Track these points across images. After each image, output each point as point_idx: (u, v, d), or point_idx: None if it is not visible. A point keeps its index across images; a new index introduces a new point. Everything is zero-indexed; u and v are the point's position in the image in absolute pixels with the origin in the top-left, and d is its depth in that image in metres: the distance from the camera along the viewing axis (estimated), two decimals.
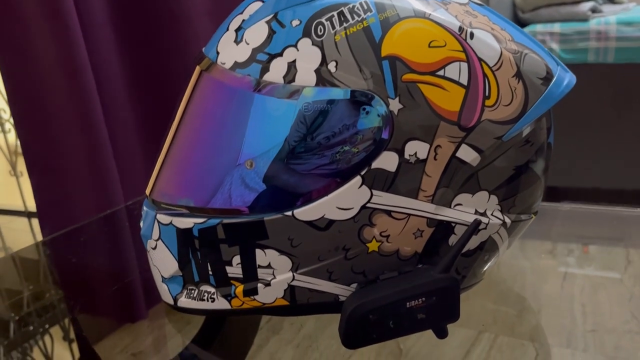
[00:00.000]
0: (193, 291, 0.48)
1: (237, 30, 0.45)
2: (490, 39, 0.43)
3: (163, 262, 0.49)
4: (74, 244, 0.83)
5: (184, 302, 0.49)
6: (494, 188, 0.44)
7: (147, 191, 0.51)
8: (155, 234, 0.49)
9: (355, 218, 0.42)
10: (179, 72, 0.83)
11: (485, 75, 0.42)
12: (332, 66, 0.41)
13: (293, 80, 0.41)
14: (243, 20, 0.45)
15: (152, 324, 0.66)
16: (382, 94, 0.41)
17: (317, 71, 0.41)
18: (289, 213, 0.43)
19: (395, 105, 0.41)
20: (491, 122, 0.42)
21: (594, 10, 1.66)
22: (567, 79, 0.47)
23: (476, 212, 0.44)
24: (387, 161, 0.41)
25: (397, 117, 0.41)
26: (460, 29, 0.42)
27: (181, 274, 0.48)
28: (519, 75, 0.43)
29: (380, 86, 0.41)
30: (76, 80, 0.80)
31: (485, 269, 0.50)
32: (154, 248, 0.49)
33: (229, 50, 0.44)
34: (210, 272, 0.46)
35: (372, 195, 0.42)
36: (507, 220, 0.46)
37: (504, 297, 0.64)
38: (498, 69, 0.43)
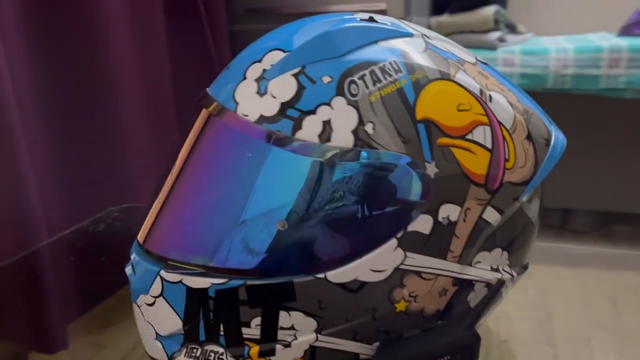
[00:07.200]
0: (195, 350, 0.45)
1: (258, 80, 0.42)
2: (504, 102, 0.45)
3: (162, 320, 0.45)
4: None
5: None
6: (507, 244, 0.46)
7: (140, 239, 0.47)
8: (156, 290, 0.45)
9: (387, 280, 0.42)
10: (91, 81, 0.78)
11: (504, 138, 0.44)
12: (369, 127, 0.40)
13: (329, 139, 0.40)
14: (264, 70, 0.43)
15: None
16: (419, 158, 0.41)
17: (354, 132, 0.40)
18: (321, 275, 0.41)
19: (431, 169, 0.41)
20: (511, 184, 0.44)
21: (501, 40, 1.78)
22: (560, 137, 0.50)
23: (491, 269, 0.46)
24: (423, 224, 0.41)
25: (433, 181, 0.41)
26: (481, 92, 0.44)
27: (182, 332, 0.45)
28: (529, 137, 0.46)
29: (417, 150, 0.41)
30: None
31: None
32: (151, 304, 0.46)
33: (252, 102, 0.42)
34: (222, 332, 0.44)
35: (405, 257, 0.42)
36: (514, 274, 0.48)
37: None
38: (514, 131, 0.45)
